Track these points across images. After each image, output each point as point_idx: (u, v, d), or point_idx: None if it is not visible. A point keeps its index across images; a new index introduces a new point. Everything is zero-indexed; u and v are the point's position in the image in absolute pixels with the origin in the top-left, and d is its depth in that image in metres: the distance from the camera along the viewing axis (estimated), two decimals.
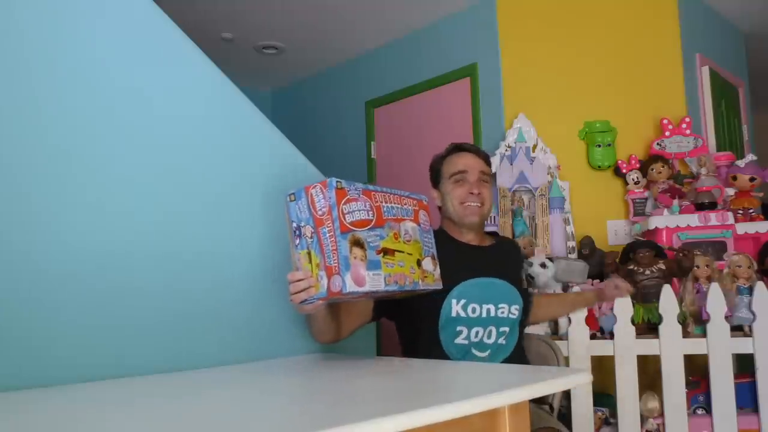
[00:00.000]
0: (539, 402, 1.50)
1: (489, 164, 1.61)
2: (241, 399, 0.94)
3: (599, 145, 2.64)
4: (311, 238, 1.11)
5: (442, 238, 1.53)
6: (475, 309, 1.45)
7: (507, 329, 1.49)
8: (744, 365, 2.06)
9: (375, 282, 1.08)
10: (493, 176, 1.67)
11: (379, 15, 3.15)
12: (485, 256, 1.56)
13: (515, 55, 2.86)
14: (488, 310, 1.46)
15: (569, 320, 2.03)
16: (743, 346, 1.95)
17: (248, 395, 0.97)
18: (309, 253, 1.11)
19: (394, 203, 1.18)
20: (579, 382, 0.92)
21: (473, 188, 1.51)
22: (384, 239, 1.12)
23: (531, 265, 2.07)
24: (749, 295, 1.96)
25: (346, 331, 1.45)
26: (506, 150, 2.60)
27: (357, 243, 1.07)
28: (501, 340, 1.48)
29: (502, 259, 1.59)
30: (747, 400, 1.95)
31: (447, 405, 0.75)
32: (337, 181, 1.09)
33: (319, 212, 1.10)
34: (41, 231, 1.12)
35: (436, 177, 1.61)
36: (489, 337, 1.47)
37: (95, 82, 1.24)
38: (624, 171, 2.61)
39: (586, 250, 2.43)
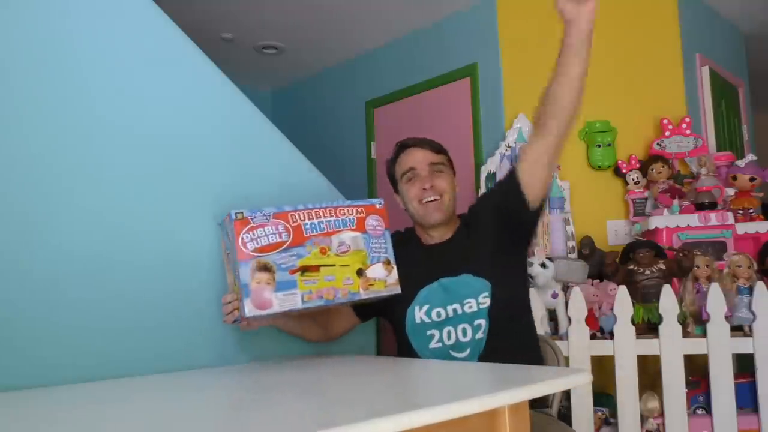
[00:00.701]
0: (541, 405, 1.43)
1: (441, 151, 1.49)
2: (234, 399, 0.94)
3: (599, 145, 2.64)
4: (231, 263, 1.21)
5: (410, 240, 1.52)
6: (440, 312, 1.40)
7: (482, 321, 1.37)
8: (744, 365, 2.06)
9: (288, 302, 1.15)
10: (449, 163, 1.51)
11: (379, 15, 3.14)
12: (450, 251, 1.46)
13: (515, 55, 2.86)
14: (455, 310, 1.39)
15: (569, 320, 2.02)
16: (743, 346, 1.95)
17: (243, 396, 0.97)
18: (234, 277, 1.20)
19: (324, 217, 1.22)
20: (579, 383, 0.91)
21: (425, 182, 1.43)
22: (303, 257, 1.18)
23: (531, 264, 2.07)
24: (749, 295, 1.96)
25: (336, 332, 1.52)
26: (506, 150, 2.60)
27: (263, 268, 1.14)
28: (479, 335, 1.37)
29: (467, 244, 1.46)
30: (747, 400, 1.95)
31: (446, 405, 0.75)
32: (237, 213, 1.16)
33: (230, 241, 1.18)
34: (28, 232, 1.11)
35: (393, 182, 1.55)
36: (465, 335, 1.38)
37: (93, 83, 1.24)
38: (624, 171, 2.61)
39: (586, 250, 2.43)
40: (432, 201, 1.43)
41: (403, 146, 1.52)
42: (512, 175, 1.39)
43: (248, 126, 1.51)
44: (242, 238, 1.14)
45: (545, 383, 0.88)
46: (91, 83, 1.23)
